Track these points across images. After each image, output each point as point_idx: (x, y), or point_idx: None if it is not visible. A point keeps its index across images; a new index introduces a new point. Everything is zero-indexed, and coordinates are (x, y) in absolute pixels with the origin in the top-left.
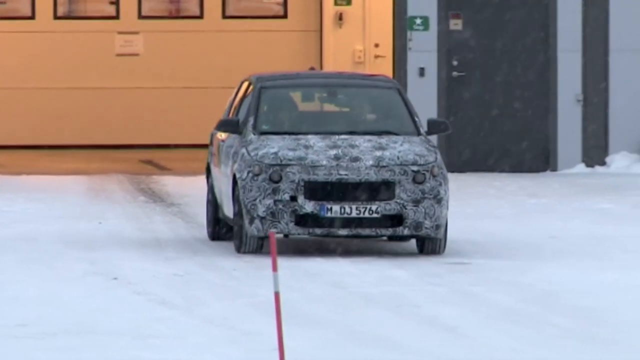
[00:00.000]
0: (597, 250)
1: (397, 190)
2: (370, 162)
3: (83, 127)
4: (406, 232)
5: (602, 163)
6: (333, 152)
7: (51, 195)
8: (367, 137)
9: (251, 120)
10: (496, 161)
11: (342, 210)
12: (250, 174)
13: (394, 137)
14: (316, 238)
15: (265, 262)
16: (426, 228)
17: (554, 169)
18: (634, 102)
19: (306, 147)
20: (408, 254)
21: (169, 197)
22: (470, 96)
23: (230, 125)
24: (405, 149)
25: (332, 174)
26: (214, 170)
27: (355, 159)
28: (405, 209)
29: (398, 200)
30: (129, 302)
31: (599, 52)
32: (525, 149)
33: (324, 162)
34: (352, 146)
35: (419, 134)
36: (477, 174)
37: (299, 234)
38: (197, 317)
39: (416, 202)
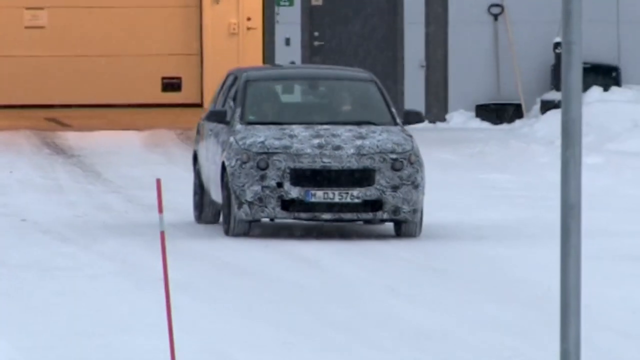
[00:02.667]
0: (438, 194)
1: (377, 177)
2: (352, 151)
3: None
4: (385, 216)
5: (443, 120)
6: (316, 141)
7: None
8: (348, 127)
9: (238, 111)
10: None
11: (326, 195)
12: (239, 162)
13: (372, 127)
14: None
15: (156, 205)
16: (404, 212)
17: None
18: (469, 67)
19: (291, 136)
20: None
21: (70, 150)
22: (328, 63)
23: (218, 115)
24: (384, 138)
25: (316, 161)
26: (201, 157)
27: (338, 148)
28: (385, 194)
29: (377, 187)
30: (35, 240)
31: (440, 24)
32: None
33: (308, 151)
34: (334, 135)
35: (395, 123)
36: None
37: (284, 218)
38: (94, 252)
39: (394, 188)
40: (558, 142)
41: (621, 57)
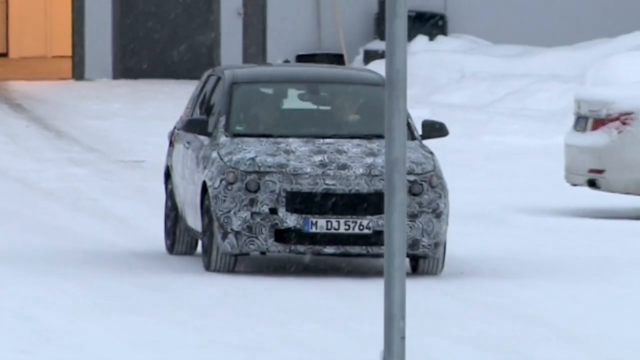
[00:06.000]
0: None
1: None
2: (361, 171)
3: None
4: None
5: None
6: (318, 158)
7: None
8: (356, 141)
9: (222, 121)
10: (165, 69)
11: (329, 225)
12: (224, 182)
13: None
14: None
15: None
16: (424, 246)
17: None
18: (289, 15)
19: (287, 152)
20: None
21: None
22: (147, 12)
23: (197, 125)
24: None
25: (318, 183)
26: (176, 175)
27: (344, 167)
28: None
29: None
30: None
31: None
32: (190, 58)
33: (308, 170)
34: (340, 152)
35: (413, 137)
36: (148, 81)
37: (279, 252)
38: None
39: (412, 217)
40: None
41: (447, 5)
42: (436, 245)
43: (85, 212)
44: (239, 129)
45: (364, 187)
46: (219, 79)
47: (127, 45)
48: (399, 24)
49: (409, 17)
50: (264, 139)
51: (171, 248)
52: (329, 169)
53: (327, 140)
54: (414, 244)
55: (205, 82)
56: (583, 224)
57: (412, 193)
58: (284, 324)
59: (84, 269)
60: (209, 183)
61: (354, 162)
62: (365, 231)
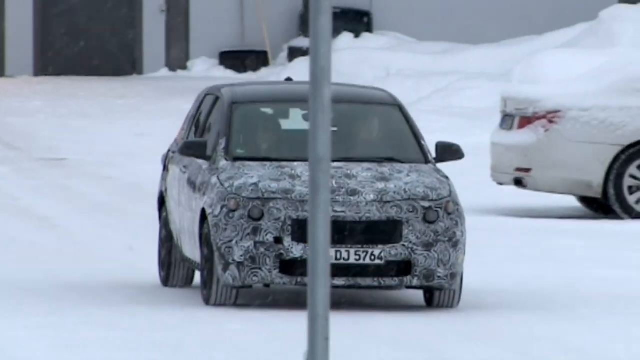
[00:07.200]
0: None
1: (405, 231)
2: (372, 197)
3: None
4: (415, 282)
5: (184, 67)
6: None
7: None
8: (366, 164)
9: (222, 143)
10: (86, 65)
11: (338, 255)
12: (225, 210)
13: (398, 166)
14: None
15: None
16: (439, 277)
17: (140, 73)
18: (212, 12)
19: (292, 176)
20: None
21: None
22: (68, 8)
23: (195, 147)
24: (413, 180)
25: None
26: (171, 201)
27: (353, 193)
28: (415, 254)
29: (405, 244)
30: None
31: None
32: (112, 55)
33: None
34: (349, 176)
35: (427, 161)
36: (69, 77)
37: (284, 284)
38: None
39: (427, 246)
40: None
41: (373, 2)
42: (452, 276)
43: (6, 210)
44: (240, 152)
45: (375, 214)
46: (217, 98)
47: (49, 42)
48: (323, 21)
49: (334, 13)
50: (267, 163)
51: (166, 280)
52: (338, 195)
53: (335, 164)
54: (429, 274)
55: (202, 101)
56: (509, 222)
57: (427, 220)
58: None
59: (5, 269)
60: (208, 210)
61: (364, 188)
62: (377, 262)
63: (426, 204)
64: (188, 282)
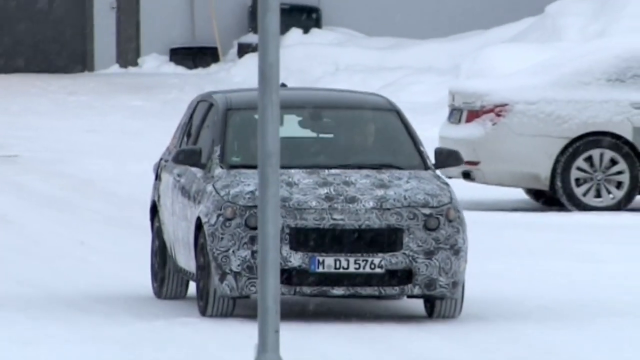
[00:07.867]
0: (132, 143)
1: (405, 239)
2: (371, 204)
3: None
4: (416, 291)
5: (135, 64)
6: (324, 190)
7: None
8: (365, 171)
9: (217, 151)
10: (38, 63)
11: (337, 264)
12: (221, 219)
13: (397, 172)
14: None
15: None
16: (441, 286)
17: (91, 70)
18: (162, 9)
19: (289, 184)
20: None
21: None
22: (19, 5)
23: (189, 155)
24: (413, 186)
25: (324, 218)
26: (164, 211)
27: (352, 200)
28: (416, 262)
29: (406, 252)
30: None
31: None
32: (63, 52)
33: (313, 204)
34: (347, 183)
35: (426, 167)
36: (20, 75)
37: (282, 294)
38: None
39: (429, 254)
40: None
41: None
42: (454, 284)
43: None
44: (235, 159)
45: (374, 221)
46: (210, 105)
47: None
48: (271, 18)
49: (283, 10)
50: None
51: (159, 291)
52: (336, 203)
53: (333, 171)
54: (430, 283)
55: (194, 109)
56: None
57: (427, 228)
58: None
59: None
60: (204, 219)
61: (363, 195)
62: (377, 270)
63: (427, 211)
64: (182, 292)
